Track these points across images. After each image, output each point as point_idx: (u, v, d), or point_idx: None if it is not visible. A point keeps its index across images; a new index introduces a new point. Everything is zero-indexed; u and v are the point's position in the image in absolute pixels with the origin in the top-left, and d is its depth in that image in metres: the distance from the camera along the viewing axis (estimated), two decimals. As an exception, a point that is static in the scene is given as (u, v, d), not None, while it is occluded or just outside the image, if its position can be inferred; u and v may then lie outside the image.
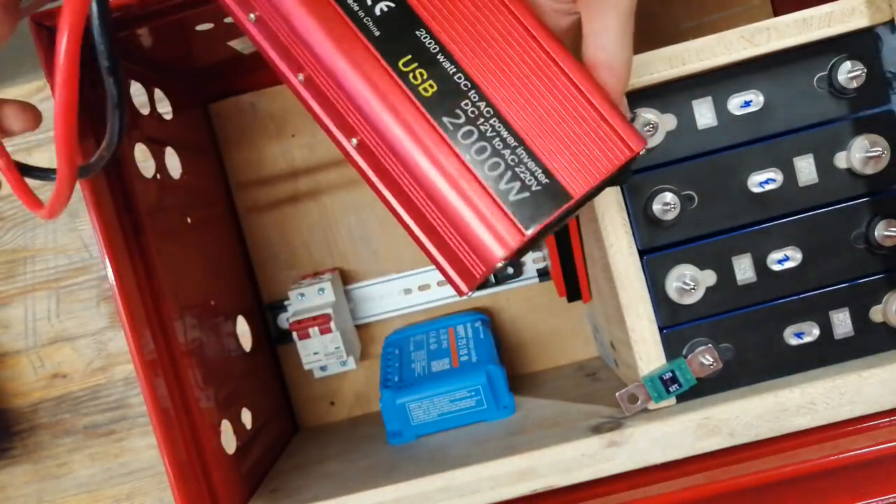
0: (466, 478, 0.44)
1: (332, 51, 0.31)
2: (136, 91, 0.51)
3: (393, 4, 0.32)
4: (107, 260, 0.42)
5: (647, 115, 0.42)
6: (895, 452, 0.42)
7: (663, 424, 0.43)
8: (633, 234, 0.44)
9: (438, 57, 0.32)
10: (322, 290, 0.59)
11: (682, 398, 0.45)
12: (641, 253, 0.44)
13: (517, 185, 0.31)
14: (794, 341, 0.44)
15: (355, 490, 0.45)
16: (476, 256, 0.31)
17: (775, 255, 0.44)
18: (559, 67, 0.32)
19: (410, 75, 0.31)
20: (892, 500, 0.42)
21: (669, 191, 0.43)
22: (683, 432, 0.43)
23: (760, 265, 0.44)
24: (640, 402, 0.44)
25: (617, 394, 0.44)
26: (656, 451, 0.43)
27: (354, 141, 0.32)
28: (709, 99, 0.43)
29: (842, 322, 0.44)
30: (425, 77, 0.32)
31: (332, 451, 0.56)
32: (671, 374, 0.44)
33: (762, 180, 0.43)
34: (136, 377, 0.44)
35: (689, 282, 0.43)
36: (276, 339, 0.64)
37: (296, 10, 0.32)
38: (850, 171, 0.43)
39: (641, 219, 0.44)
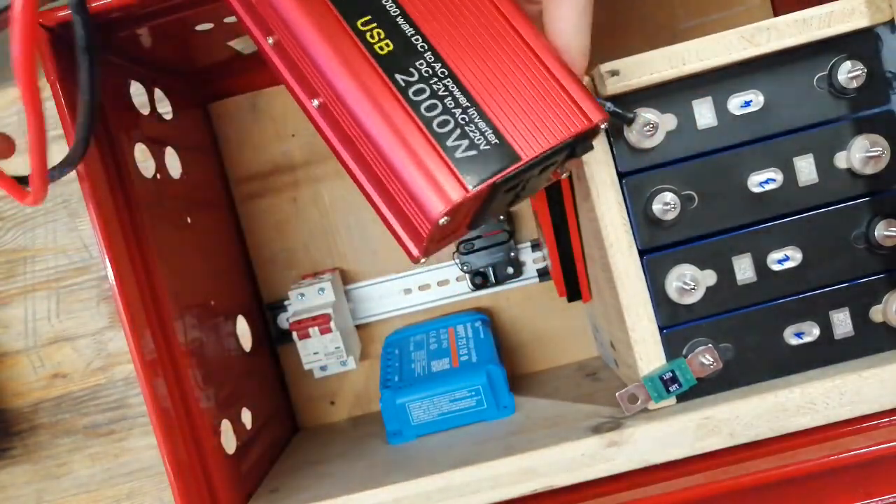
0: (466, 478, 0.44)
1: (295, 12, 0.32)
2: (136, 91, 0.51)
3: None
4: (107, 260, 0.42)
5: (647, 115, 0.42)
6: (895, 452, 0.42)
7: (663, 424, 0.43)
8: (633, 234, 0.44)
9: (398, 20, 0.33)
10: (322, 290, 0.59)
11: (682, 398, 0.45)
12: (641, 253, 0.44)
13: (465, 142, 0.31)
14: (794, 341, 0.44)
15: (355, 490, 0.45)
16: (420, 212, 0.31)
17: (775, 255, 0.44)
18: (520, 36, 0.34)
19: (368, 34, 0.32)
20: (891, 500, 0.42)
21: (669, 191, 0.43)
22: (683, 432, 0.43)
23: (760, 265, 0.44)
24: (640, 402, 0.44)
25: (617, 394, 0.44)
26: (656, 451, 0.43)
27: (316, 102, 0.33)
28: (709, 99, 0.43)
29: (842, 322, 0.44)
30: (382, 36, 0.33)
31: (332, 451, 0.56)
32: (671, 374, 0.44)
33: (762, 180, 0.43)
34: (136, 377, 0.44)
35: (689, 282, 0.43)
36: (276, 339, 0.64)
37: None
38: (850, 171, 0.43)
39: (641, 219, 0.44)
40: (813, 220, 0.44)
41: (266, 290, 0.64)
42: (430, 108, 0.32)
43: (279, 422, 0.61)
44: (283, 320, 0.64)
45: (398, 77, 0.32)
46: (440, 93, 0.32)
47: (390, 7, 0.33)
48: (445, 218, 0.30)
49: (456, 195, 0.30)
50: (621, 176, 0.43)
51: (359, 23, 0.33)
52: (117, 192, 0.45)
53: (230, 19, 0.48)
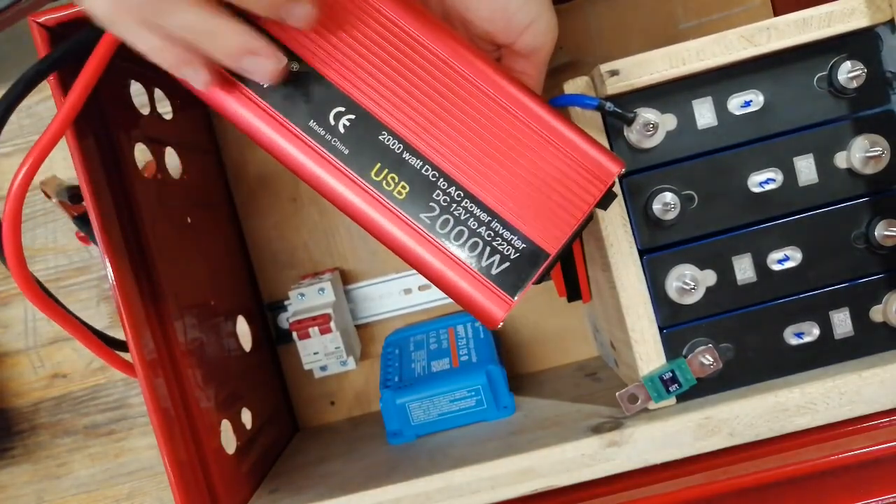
0: (466, 478, 0.44)
1: (320, 182, 0.35)
2: (137, 91, 0.51)
3: (353, 116, 0.34)
4: (107, 260, 0.42)
5: (647, 115, 0.42)
6: (895, 452, 0.42)
7: (663, 424, 0.43)
8: (633, 234, 0.44)
9: (404, 155, 0.34)
10: (322, 290, 0.59)
11: (682, 398, 0.45)
12: (641, 253, 0.44)
13: (497, 258, 0.34)
14: (794, 341, 0.44)
15: (355, 490, 0.45)
16: (484, 323, 0.36)
17: (775, 255, 0.44)
18: (513, 109, 0.35)
19: (384, 182, 0.34)
20: (891, 500, 0.42)
21: (669, 191, 0.43)
22: (683, 432, 0.43)
23: (760, 265, 0.44)
24: (640, 402, 0.44)
25: (617, 394, 0.44)
26: (656, 451, 0.43)
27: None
28: (709, 99, 0.43)
29: (842, 322, 0.44)
30: (397, 181, 0.34)
31: (332, 451, 0.56)
32: (671, 374, 0.44)
33: (762, 180, 0.43)
34: (136, 377, 0.44)
35: (689, 282, 0.43)
36: (276, 339, 0.64)
37: (283, 150, 0.35)
38: (850, 171, 0.43)
39: (641, 219, 0.44)
40: (813, 220, 0.44)
41: (266, 290, 0.64)
42: (458, 235, 0.34)
43: (279, 422, 0.61)
44: (283, 320, 0.64)
45: (423, 216, 0.34)
46: (462, 217, 0.34)
47: (393, 144, 0.34)
48: (500, 324, 0.35)
49: (502, 312, 0.34)
50: (621, 176, 0.43)
51: (372, 174, 0.34)
52: (117, 192, 0.45)
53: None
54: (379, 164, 0.34)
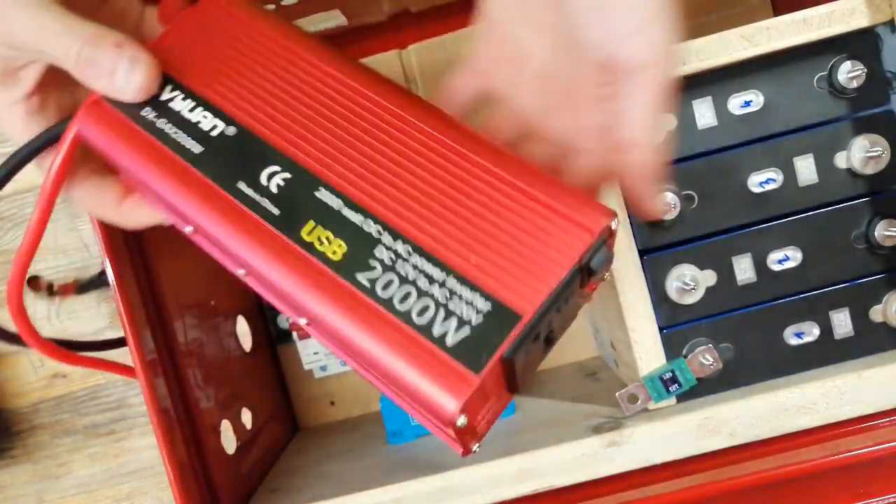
0: (466, 478, 0.44)
1: (243, 247, 0.30)
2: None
3: (288, 175, 0.31)
4: (107, 260, 0.42)
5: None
6: (895, 452, 0.42)
7: (663, 424, 0.43)
8: (633, 234, 0.44)
9: (343, 211, 0.30)
10: (322, 290, 0.59)
11: (682, 398, 0.45)
12: (641, 253, 0.44)
13: (454, 323, 0.27)
14: (794, 341, 0.44)
15: (355, 490, 0.45)
16: (437, 419, 0.27)
17: (775, 255, 0.44)
18: (478, 164, 0.30)
19: (316, 243, 0.29)
20: (891, 500, 0.42)
21: (669, 190, 0.43)
22: (683, 432, 0.43)
23: (760, 265, 0.44)
24: (640, 402, 0.44)
25: (617, 394, 0.44)
26: (656, 451, 0.43)
27: (304, 321, 0.31)
28: (709, 99, 0.43)
29: (842, 322, 0.44)
30: (331, 239, 0.29)
31: (332, 451, 0.56)
32: (671, 374, 0.44)
33: (762, 180, 0.43)
34: (136, 377, 0.44)
35: (689, 282, 0.43)
36: (276, 339, 0.64)
37: (203, 218, 0.31)
38: (850, 171, 0.43)
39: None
40: (813, 220, 0.44)
41: (266, 290, 0.64)
42: (404, 298, 0.28)
43: (279, 422, 0.61)
44: (283, 320, 0.64)
45: (360, 277, 0.28)
46: (409, 277, 0.28)
47: (332, 200, 0.30)
48: (462, 417, 0.26)
49: (463, 391, 0.26)
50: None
51: (303, 232, 0.30)
52: (117, 192, 0.45)
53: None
54: (312, 222, 0.30)
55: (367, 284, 0.28)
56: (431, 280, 0.28)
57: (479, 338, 0.27)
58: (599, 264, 0.29)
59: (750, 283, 0.44)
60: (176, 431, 0.45)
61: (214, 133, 0.32)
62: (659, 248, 0.44)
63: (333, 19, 0.57)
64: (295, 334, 0.58)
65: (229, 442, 0.51)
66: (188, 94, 0.33)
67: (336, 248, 0.29)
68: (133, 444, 0.66)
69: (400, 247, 0.29)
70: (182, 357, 0.47)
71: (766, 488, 0.43)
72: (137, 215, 0.35)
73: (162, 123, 0.32)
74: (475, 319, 0.27)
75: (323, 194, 0.31)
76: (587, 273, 0.29)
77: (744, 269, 0.44)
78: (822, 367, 0.44)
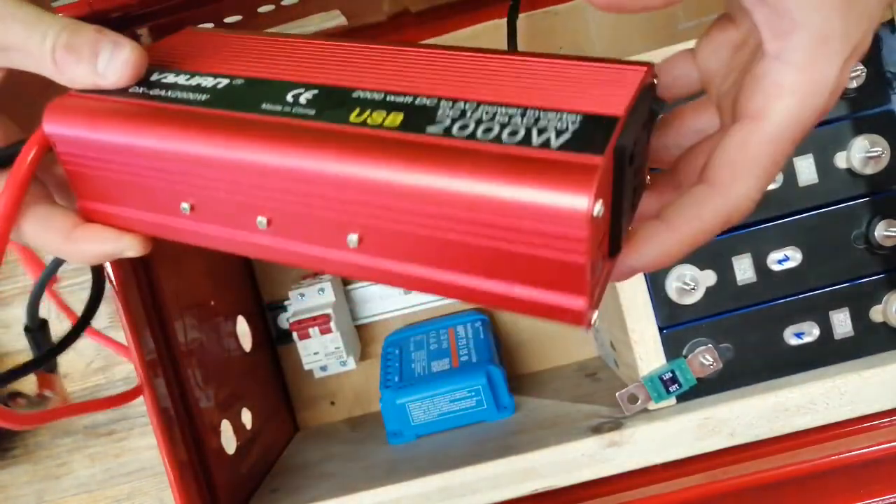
0: (466, 478, 0.44)
1: (284, 154, 0.25)
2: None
3: (316, 91, 0.27)
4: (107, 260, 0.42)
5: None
6: (895, 452, 0.42)
7: (663, 424, 0.43)
8: (633, 234, 0.44)
9: (387, 98, 0.26)
10: (322, 290, 0.59)
11: (682, 398, 0.45)
12: (641, 253, 0.44)
13: (551, 133, 0.23)
14: (794, 341, 0.44)
15: (355, 490, 0.45)
16: (565, 224, 0.22)
17: (775, 255, 0.44)
18: (505, 58, 0.27)
19: (368, 120, 0.25)
20: (892, 500, 0.42)
21: (669, 191, 0.43)
22: (683, 432, 0.43)
23: (760, 265, 0.44)
24: (640, 402, 0.44)
25: (617, 394, 0.44)
26: (656, 451, 0.43)
27: (354, 238, 0.26)
28: (709, 99, 0.43)
29: (842, 322, 0.44)
30: (384, 115, 0.25)
31: (332, 451, 0.56)
32: (671, 374, 0.44)
33: (762, 180, 0.43)
34: (136, 377, 0.44)
35: (689, 282, 0.43)
36: (276, 339, 0.64)
37: (228, 148, 0.26)
38: (850, 171, 0.43)
39: (641, 219, 0.44)
40: (813, 220, 0.44)
41: (266, 290, 0.64)
42: (486, 131, 0.24)
43: (279, 422, 0.61)
44: (284, 320, 0.64)
45: (430, 129, 0.24)
46: (484, 118, 0.24)
47: (368, 95, 0.26)
48: (598, 205, 0.22)
49: (589, 176, 0.22)
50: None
51: (351, 117, 0.26)
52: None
53: (231, 19, 0.48)
54: (357, 110, 0.26)
55: (440, 131, 0.24)
56: (509, 116, 0.24)
57: (583, 135, 0.23)
58: (659, 105, 0.27)
59: (750, 283, 0.44)
60: (176, 431, 0.45)
61: (220, 86, 0.29)
62: (659, 248, 0.44)
63: (333, 19, 0.57)
64: (295, 334, 0.58)
65: (229, 442, 0.51)
66: (180, 71, 0.30)
67: (393, 119, 0.25)
68: (133, 444, 0.66)
69: (463, 105, 0.25)
70: (182, 357, 0.47)
71: (766, 488, 0.43)
72: (89, 246, 0.31)
73: (156, 92, 0.29)
74: (571, 127, 0.23)
75: (359, 94, 0.26)
76: (651, 114, 0.27)
77: (744, 269, 0.44)
78: (822, 367, 0.44)
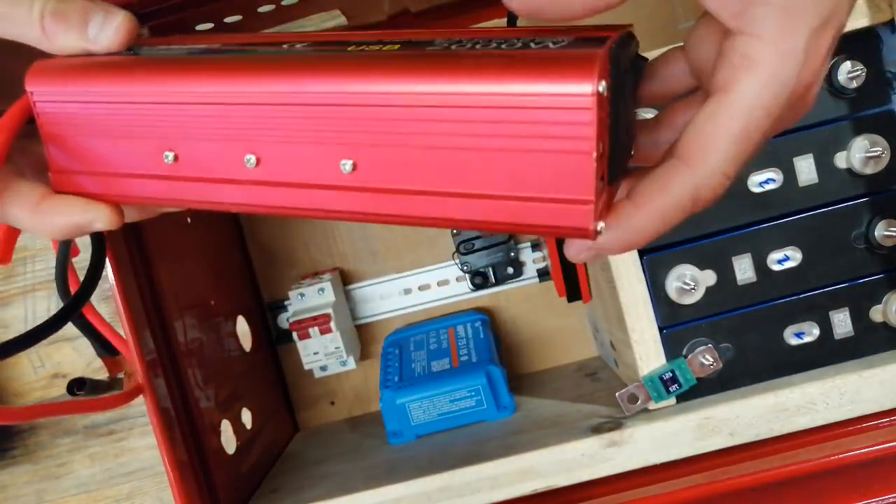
0: (466, 478, 0.44)
1: (285, 81, 0.25)
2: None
3: (310, 42, 0.27)
4: (107, 260, 0.42)
5: (647, 115, 0.42)
6: (895, 452, 0.42)
7: (663, 424, 0.43)
8: (633, 234, 0.44)
9: (383, 41, 0.26)
10: (322, 290, 0.59)
11: (682, 398, 0.45)
12: (641, 253, 0.44)
13: (548, 42, 0.24)
14: (794, 341, 0.44)
15: (355, 490, 0.45)
16: (572, 100, 0.22)
17: (775, 255, 0.44)
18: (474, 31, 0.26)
19: (367, 48, 0.25)
20: (891, 500, 0.42)
21: (669, 191, 0.43)
22: (683, 432, 0.43)
23: (760, 265, 0.44)
24: (640, 402, 0.44)
25: (617, 394, 0.44)
26: (656, 451, 0.43)
27: (349, 164, 0.25)
28: (709, 99, 0.43)
29: (842, 322, 0.44)
30: (382, 47, 0.25)
31: (332, 451, 0.56)
32: (671, 374, 0.44)
33: (762, 180, 0.43)
34: (137, 377, 0.44)
35: (689, 282, 0.43)
36: (276, 339, 0.64)
37: (231, 84, 0.26)
38: (850, 171, 0.43)
39: (641, 219, 0.44)
40: (813, 220, 0.44)
41: (266, 290, 0.64)
42: (485, 45, 0.24)
43: (279, 422, 0.61)
44: (284, 320, 0.64)
45: (429, 49, 0.24)
46: (481, 42, 0.24)
47: (364, 46, 0.26)
48: (602, 83, 0.22)
49: (590, 63, 0.22)
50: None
51: (349, 48, 0.26)
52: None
53: (231, 19, 0.48)
54: (354, 46, 0.26)
55: (440, 48, 0.24)
56: (505, 39, 0.24)
57: (578, 44, 0.23)
58: (642, 60, 0.28)
59: (750, 283, 0.44)
60: (176, 431, 0.45)
61: (213, 48, 0.28)
62: (659, 248, 0.44)
63: (333, 19, 0.57)
64: (295, 334, 0.58)
65: (229, 442, 0.51)
66: (171, 43, 0.30)
67: (391, 47, 0.25)
68: (133, 444, 0.66)
69: (459, 38, 0.25)
70: (182, 357, 0.47)
71: (766, 488, 0.43)
72: (57, 217, 0.30)
73: (145, 52, 0.29)
74: (566, 40, 0.24)
75: (354, 43, 0.26)
76: (635, 62, 0.27)
77: (744, 269, 0.44)
78: (822, 367, 0.44)
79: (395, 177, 0.25)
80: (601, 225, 0.24)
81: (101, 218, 0.30)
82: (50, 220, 0.30)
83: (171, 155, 0.28)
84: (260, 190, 0.27)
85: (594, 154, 0.22)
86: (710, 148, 0.24)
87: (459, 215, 0.25)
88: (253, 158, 0.27)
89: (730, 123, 0.24)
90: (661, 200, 0.24)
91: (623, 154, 0.27)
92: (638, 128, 0.29)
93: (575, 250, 0.26)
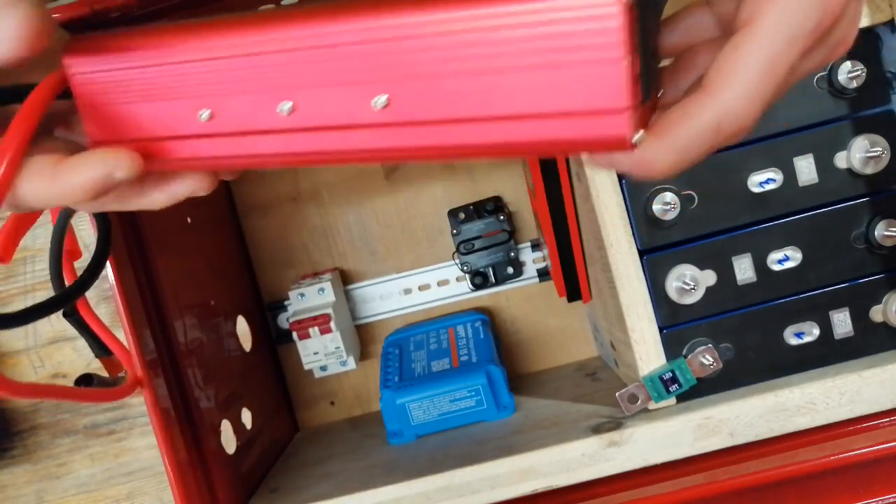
0: (466, 478, 0.44)
1: (310, 25, 0.26)
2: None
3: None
4: (107, 260, 0.42)
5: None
6: (895, 452, 0.42)
7: (663, 424, 0.43)
8: (633, 234, 0.44)
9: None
10: (322, 290, 0.59)
11: (682, 398, 0.45)
12: (641, 253, 0.44)
13: None
14: (794, 341, 0.44)
15: (355, 490, 0.45)
16: (598, 23, 0.22)
17: (775, 255, 0.44)
18: None
19: None
20: (891, 500, 0.42)
21: (669, 191, 0.43)
22: (683, 432, 0.43)
23: (760, 265, 0.44)
24: (640, 402, 0.44)
25: (617, 394, 0.44)
26: (656, 451, 0.43)
27: (382, 99, 0.25)
28: (709, 99, 0.43)
29: (842, 322, 0.44)
30: None
31: (332, 451, 0.56)
32: (671, 374, 0.44)
33: (762, 180, 0.43)
34: (136, 374, 0.44)
35: (689, 282, 0.43)
36: (276, 339, 0.64)
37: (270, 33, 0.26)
38: (850, 171, 0.43)
39: (641, 219, 0.44)
40: (813, 220, 0.44)
41: (266, 290, 0.64)
42: None
43: (279, 422, 0.61)
44: (283, 320, 0.64)
45: None
46: None
47: None
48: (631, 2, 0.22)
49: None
50: (621, 176, 0.43)
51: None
52: (117, 192, 0.45)
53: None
54: None
55: None
56: None
57: None
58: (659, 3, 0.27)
59: (750, 283, 0.44)
60: (176, 431, 0.45)
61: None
62: (659, 248, 0.44)
63: None
64: (295, 334, 0.58)
65: (229, 442, 0.51)
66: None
67: None
68: (133, 444, 0.66)
69: None
70: (182, 357, 0.47)
71: (766, 488, 0.43)
72: (75, 176, 0.29)
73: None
74: None
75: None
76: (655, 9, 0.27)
77: (744, 269, 0.44)
78: (822, 367, 0.44)
79: (428, 107, 0.25)
80: (638, 136, 0.23)
81: (121, 165, 0.28)
82: (69, 180, 0.29)
83: (206, 112, 0.28)
84: (296, 137, 0.27)
85: (626, 60, 0.22)
86: (733, 76, 0.24)
87: (495, 139, 0.24)
88: (287, 106, 0.27)
89: (754, 52, 0.24)
90: (682, 128, 0.24)
91: (651, 78, 0.26)
92: (661, 75, 0.29)
93: (599, 160, 0.26)
